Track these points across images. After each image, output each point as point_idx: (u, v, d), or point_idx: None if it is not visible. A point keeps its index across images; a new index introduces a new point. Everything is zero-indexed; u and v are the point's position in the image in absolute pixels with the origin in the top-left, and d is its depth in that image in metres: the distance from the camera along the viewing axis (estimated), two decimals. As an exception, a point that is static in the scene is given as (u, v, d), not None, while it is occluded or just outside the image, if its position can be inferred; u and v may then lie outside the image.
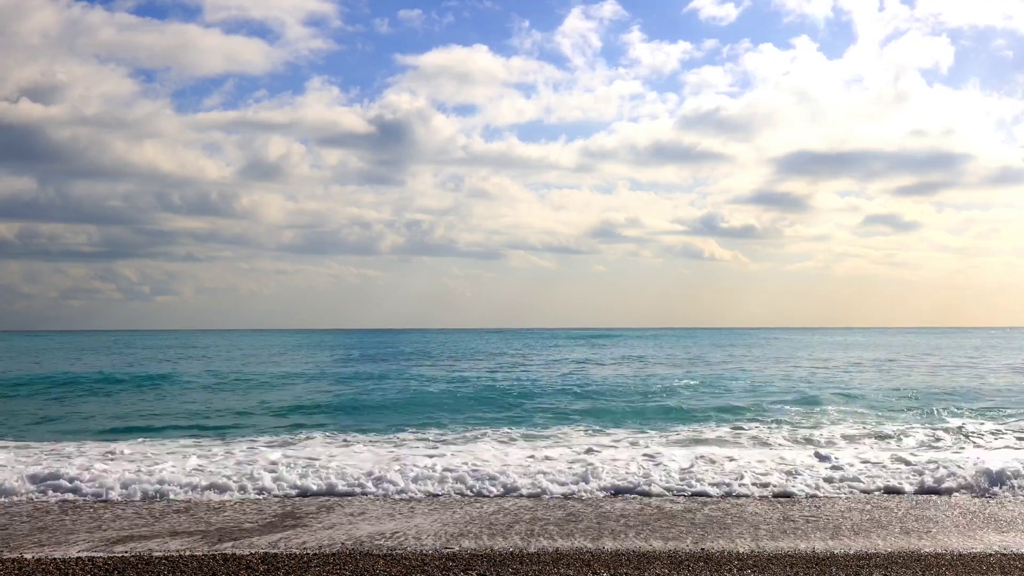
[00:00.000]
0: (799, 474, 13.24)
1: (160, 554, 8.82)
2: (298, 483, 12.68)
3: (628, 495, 12.16)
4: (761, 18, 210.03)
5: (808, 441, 17.55)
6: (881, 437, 18.01)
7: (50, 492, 12.24)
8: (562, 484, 12.58)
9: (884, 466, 14.10)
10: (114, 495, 12.09)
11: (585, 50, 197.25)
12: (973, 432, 18.68)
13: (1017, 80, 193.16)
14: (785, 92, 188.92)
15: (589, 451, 15.99)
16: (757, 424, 20.46)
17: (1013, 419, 21.31)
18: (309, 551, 8.99)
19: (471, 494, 12.22)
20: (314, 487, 12.52)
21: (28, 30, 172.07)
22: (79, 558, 8.66)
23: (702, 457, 14.85)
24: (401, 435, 18.80)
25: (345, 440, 17.92)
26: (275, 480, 12.82)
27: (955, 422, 20.55)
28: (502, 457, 15.16)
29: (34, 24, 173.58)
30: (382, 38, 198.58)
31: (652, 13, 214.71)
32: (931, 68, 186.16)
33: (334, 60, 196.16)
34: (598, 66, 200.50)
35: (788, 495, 12.14)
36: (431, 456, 15.24)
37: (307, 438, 18.26)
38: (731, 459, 14.66)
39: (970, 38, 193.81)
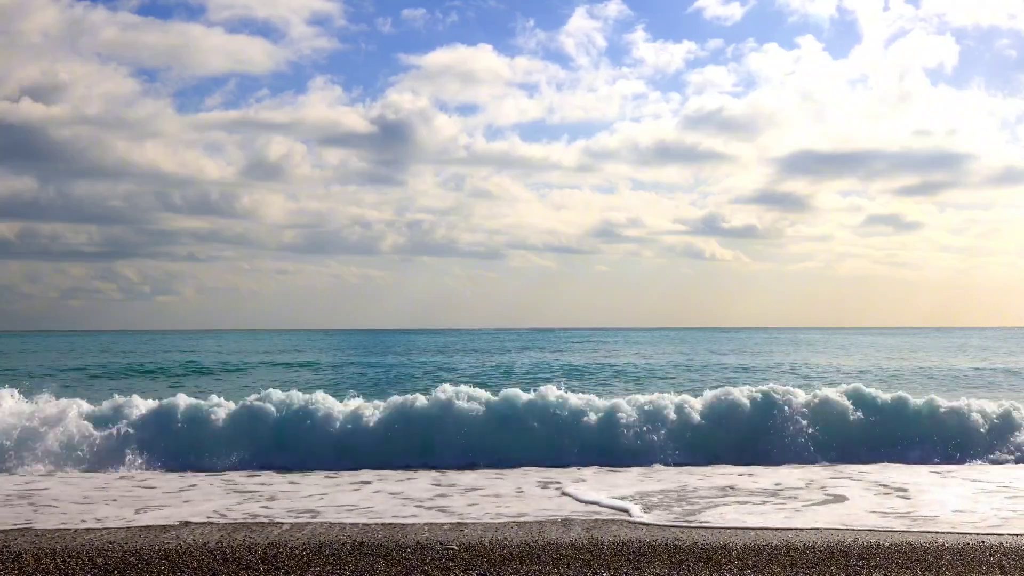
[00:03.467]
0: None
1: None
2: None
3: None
4: (766, 18, 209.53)
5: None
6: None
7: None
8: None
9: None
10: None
11: (589, 49, 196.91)
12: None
13: (1021, 80, 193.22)
14: (789, 92, 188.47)
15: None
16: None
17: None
18: (309, 550, 9.01)
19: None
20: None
21: (30, 29, 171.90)
22: (79, 558, 8.68)
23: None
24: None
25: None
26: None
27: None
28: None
29: (36, 23, 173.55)
30: (385, 37, 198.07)
31: (657, 12, 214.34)
32: (935, 68, 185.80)
33: (337, 59, 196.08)
34: (602, 65, 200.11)
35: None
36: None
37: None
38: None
39: (974, 38, 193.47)
